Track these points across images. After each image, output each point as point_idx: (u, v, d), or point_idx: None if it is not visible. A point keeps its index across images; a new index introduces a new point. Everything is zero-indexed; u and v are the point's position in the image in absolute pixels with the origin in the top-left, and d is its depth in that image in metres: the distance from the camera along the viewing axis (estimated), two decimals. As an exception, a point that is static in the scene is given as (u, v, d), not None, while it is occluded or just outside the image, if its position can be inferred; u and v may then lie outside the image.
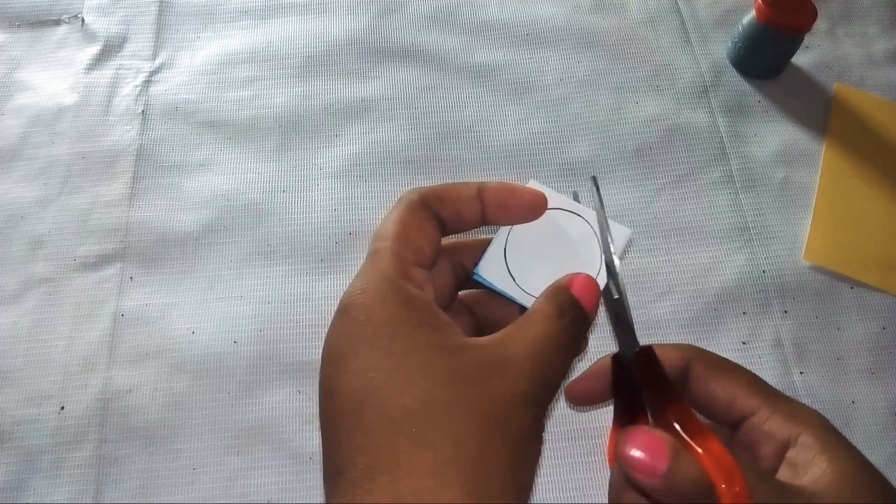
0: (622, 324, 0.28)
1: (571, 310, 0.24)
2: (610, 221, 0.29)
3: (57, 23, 0.56)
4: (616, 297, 0.28)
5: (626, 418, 0.27)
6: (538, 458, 0.23)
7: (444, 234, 0.27)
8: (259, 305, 0.45)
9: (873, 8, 0.59)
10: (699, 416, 0.24)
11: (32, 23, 0.56)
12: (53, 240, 0.47)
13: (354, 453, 0.21)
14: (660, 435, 0.22)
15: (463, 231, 0.28)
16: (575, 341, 0.24)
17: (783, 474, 0.24)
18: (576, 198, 0.30)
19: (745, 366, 0.28)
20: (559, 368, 0.23)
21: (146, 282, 0.45)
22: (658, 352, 0.27)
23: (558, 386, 0.24)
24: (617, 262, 0.28)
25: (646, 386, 0.25)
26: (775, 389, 0.26)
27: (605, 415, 0.41)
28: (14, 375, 0.42)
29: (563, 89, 0.54)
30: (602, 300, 0.27)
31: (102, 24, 0.56)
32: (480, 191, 0.27)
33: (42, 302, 0.45)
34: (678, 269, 0.47)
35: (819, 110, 0.54)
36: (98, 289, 0.45)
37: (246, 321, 0.44)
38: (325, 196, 0.49)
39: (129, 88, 0.53)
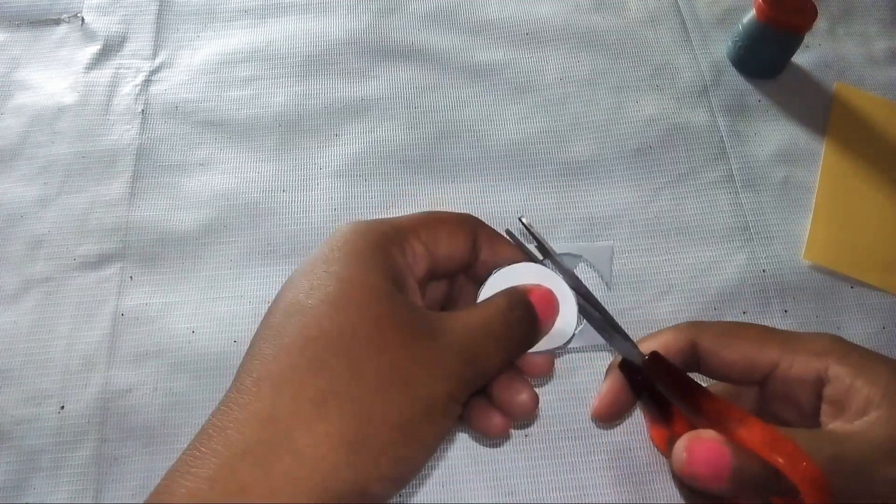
0: (617, 338, 0.28)
1: (521, 308, 0.24)
2: (590, 244, 0.29)
3: (57, 22, 0.56)
4: (597, 315, 0.28)
5: (658, 415, 0.27)
6: (439, 437, 0.22)
7: (474, 265, 0.27)
8: (259, 305, 0.44)
9: (873, 7, 0.59)
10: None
11: (32, 22, 0.56)
12: (53, 239, 0.47)
13: (256, 360, 0.21)
14: (712, 439, 0.22)
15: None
16: (517, 337, 0.24)
17: (828, 414, 0.24)
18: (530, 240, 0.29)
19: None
20: (492, 358, 0.23)
21: (146, 281, 0.45)
22: (660, 343, 0.27)
23: (486, 376, 0.23)
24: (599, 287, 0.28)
25: (667, 390, 0.25)
26: (782, 332, 0.26)
27: (605, 414, 0.41)
28: (14, 375, 0.42)
29: (563, 89, 0.54)
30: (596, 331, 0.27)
31: (102, 24, 0.56)
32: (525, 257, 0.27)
33: (42, 301, 0.45)
34: (678, 268, 0.47)
35: (819, 110, 0.54)
36: (98, 288, 0.45)
37: (246, 321, 0.44)
38: (325, 196, 0.49)
39: (128, 88, 0.53)
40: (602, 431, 0.41)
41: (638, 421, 0.41)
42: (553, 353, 0.28)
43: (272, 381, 0.21)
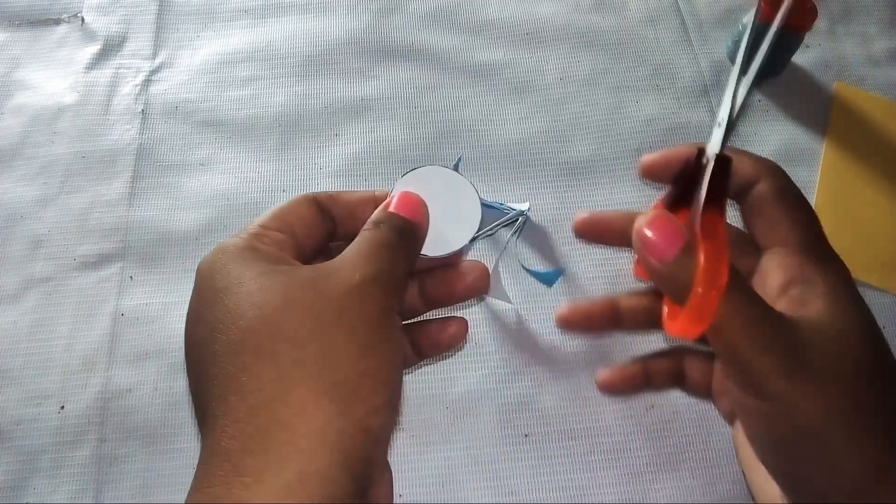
0: (729, 127, 0.27)
1: (386, 221, 0.26)
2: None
3: (57, 22, 0.56)
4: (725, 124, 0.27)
5: (671, 204, 0.27)
6: (397, 351, 0.24)
7: (336, 233, 0.28)
8: (259, 305, 0.44)
9: (873, 7, 0.59)
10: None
11: (32, 22, 0.56)
12: (53, 239, 0.47)
13: (209, 385, 0.22)
14: (680, 228, 0.22)
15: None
16: (399, 240, 0.25)
17: (785, 308, 0.23)
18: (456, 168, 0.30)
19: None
20: (389, 263, 0.24)
21: (146, 281, 0.45)
22: (736, 160, 0.26)
23: (398, 279, 0.24)
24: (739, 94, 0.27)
25: (705, 185, 0.24)
26: (820, 232, 0.25)
27: (604, 414, 0.41)
28: (14, 375, 0.42)
29: (563, 89, 0.54)
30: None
31: (102, 24, 0.56)
32: (375, 196, 0.28)
33: (42, 301, 0.45)
34: (678, 268, 0.47)
35: (819, 109, 0.54)
36: (98, 288, 0.45)
37: (246, 321, 0.44)
38: (325, 195, 0.49)
39: (128, 88, 0.53)
40: (602, 431, 0.41)
41: (638, 420, 0.41)
42: (459, 254, 0.29)
43: (231, 388, 0.22)
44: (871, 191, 0.50)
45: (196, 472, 0.21)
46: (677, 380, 0.29)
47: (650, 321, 0.29)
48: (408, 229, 0.26)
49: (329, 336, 0.22)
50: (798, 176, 0.50)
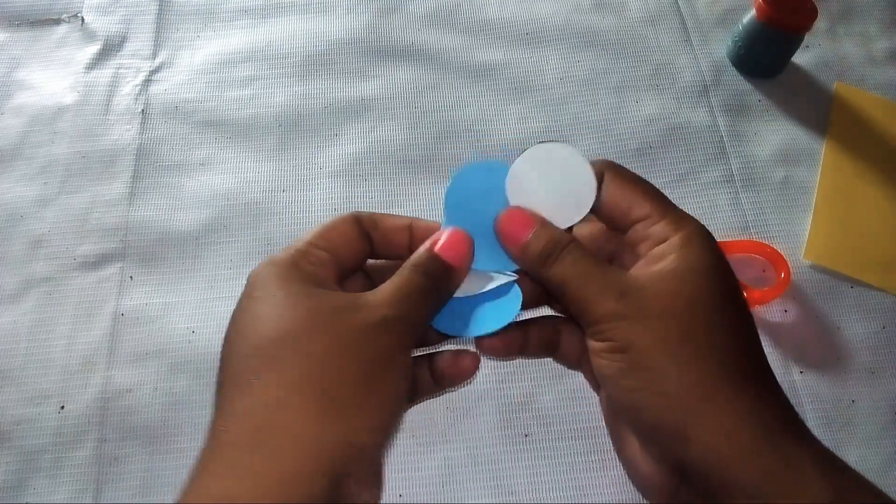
0: None
1: (426, 265, 0.27)
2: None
3: (57, 22, 0.56)
4: None
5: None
6: (401, 382, 0.25)
7: (372, 254, 0.30)
8: (259, 305, 0.44)
9: (873, 7, 0.59)
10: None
11: (32, 22, 0.56)
12: (53, 239, 0.47)
13: (225, 382, 0.24)
14: (527, 213, 0.27)
15: (391, 258, 0.30)
16: (433, 286, 0.27)
17: (638, 266, 0.26)
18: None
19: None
20: (416, 308, 0.26)
21: (146, 281, 0.45)
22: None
23: (421, 322, 0.26)
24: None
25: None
26: (670, 202, 0.27)
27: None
28: (14, 375, 0.42)
29: (564, 88, 0.54)
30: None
31: (102, 24, 0.56)
32: (412, 224, 0.30)
33: (42, 301, 0.45)
34: (678, 268, 0.47)
35: (819, 109, 0.54)
36: (98, 288, 0.45)
37: (246, 321, 0.44)
38: (325, 195, 0.49)
39: (128, 88, 0.53)
40: (602, 431, 0.41)
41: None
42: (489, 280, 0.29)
43: (240, 387, 0.23)
44: (871, 191, 0.50)
45: (196, 460, 0.23)
46: (550, 348, 0.31)
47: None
48: (445, 276, 0.27)
49: (341, 359, 0.23)
50: (798, 176, 0.50)
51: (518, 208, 0.28)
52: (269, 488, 0.21)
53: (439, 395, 0.35)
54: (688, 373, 0.23)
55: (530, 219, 0.27)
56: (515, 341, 0.31)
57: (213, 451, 0.22)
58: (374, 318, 0.24)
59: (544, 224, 0.27)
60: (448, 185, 0.29)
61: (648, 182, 0.28)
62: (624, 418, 0.26)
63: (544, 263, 0.26)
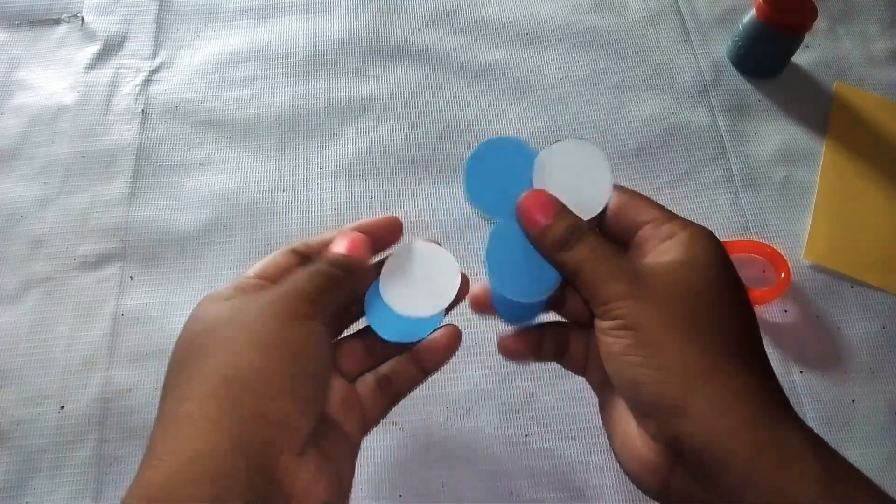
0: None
1: (317, 258, 0.30)
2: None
3: (57, 22, 0.56)
4: None
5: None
6: (304, 348, 0.26)
7: None
8: (259, 305, 0.45)
9: (873, 7, 0.59)
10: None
11: (32, 22, 0.56)
12: (53, 239, 0.47)
13: (163, 391, 0.27)
14: (551, 198, 0.28)
15: None
16: (322, 266, 0.29)
17: (648, 258, 0.27)
18: None
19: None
20: (304, 282, 0.28)
21: (146, 281, 0.45)
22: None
23: (310, 292, 0.27)
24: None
25: None
26: (675, 214, 0.29)
27: (605, 414, 0.41)
28: (14, 375, 0.42)
29: (564, 88, 0.54)
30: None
31: (102, 24, 0.56)
32: (341, 232, 0.32)
33: (42, 301, 0.45)
34: (678, 268, 0.47)
35: (819, 109, 0.54)
36: (98, 288, 0.45)
37: (246, 321, 0.44)
38: (325, 195, 0.49)
39: (128, 87, 0.53)
40: (602, 431, 0.41)
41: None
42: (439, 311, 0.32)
43: (169, 386, 0.27)
44: (871, 191, 0.50)
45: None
46: (559, 353, 0.32)
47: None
48: (335, 260, 0.29)
49: (236, 341, 0.25)
50: (798, 176, 0.50)
51: (542, 191, 0.29)
52: (184, 470, 0.22)
53: (422, 382, 0.35)
54: (690, 350, 0.24)
55: (553, 203, 0.28)
56: (532, 342, 0.31)
57: (148, 449, 0.24)
58: (271, 297, 0.27)
59: (566, 209, 0.28)
60: (472, 152, 0.31)
61: (651, 199, 0.30)
62: (624, 394, 0.27)
63: (562, 247, 0.27)
